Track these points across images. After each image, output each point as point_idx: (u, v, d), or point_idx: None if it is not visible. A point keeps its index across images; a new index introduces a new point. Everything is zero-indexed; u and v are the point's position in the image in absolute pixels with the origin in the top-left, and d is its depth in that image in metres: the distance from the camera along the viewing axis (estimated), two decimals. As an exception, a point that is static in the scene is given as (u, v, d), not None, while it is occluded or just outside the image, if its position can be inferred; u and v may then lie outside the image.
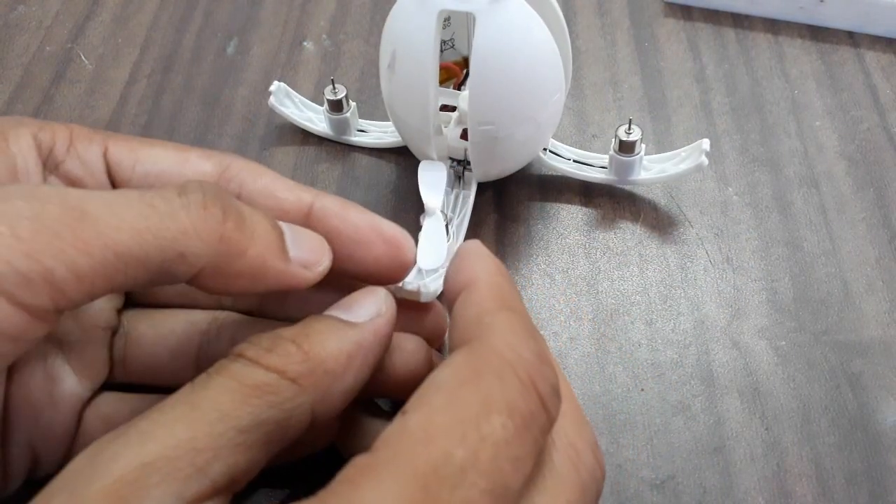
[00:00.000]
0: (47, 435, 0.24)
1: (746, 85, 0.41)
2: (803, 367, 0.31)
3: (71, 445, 0.24)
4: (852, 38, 0.42)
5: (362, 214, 0.24)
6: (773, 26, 0.43)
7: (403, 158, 0.38)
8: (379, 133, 0.39)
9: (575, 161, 0.36)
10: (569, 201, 0.36)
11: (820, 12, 0.42)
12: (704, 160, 0.33)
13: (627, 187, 0.36)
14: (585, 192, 0.37)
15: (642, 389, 0.30)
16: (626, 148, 0.34)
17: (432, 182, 0.31)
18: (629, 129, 0.34)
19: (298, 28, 0.45)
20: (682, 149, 0.35)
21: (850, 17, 0.42)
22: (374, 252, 0.23)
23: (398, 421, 0.17)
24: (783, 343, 0.31)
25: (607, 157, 0.35)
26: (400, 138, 0.36)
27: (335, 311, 0.22)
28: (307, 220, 0.23)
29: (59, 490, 0.17)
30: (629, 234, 0.35)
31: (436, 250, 0.30)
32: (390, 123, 0.38)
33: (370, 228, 0.24)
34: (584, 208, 0.36)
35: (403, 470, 0.16)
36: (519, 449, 0.17)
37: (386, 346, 0.22)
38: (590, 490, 0.20)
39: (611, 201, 0.36)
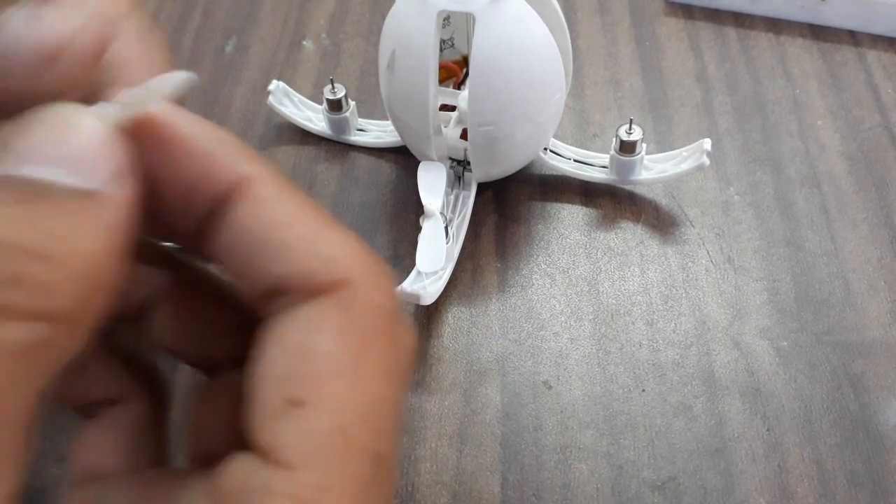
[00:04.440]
0: None
1: (748, 84, 0.41)
2: (805, 367, 0.31)
3: None
4: (854, 38, 0.42)
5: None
6: (775, 25, 0.43)
7: (403, 158, 0.38)
8: (379, 132, 0.39)
9: (576, 161, 0.36)
10: (569, 201, 0.36)
11: (821, 11, 0.42)
12: (706, 160, 0.33)
13: (628, 187, 0.36)
14: (586, 192, 0.36)
15: (643, 390, 0.30)
16: (626, 148, 0.34)
17: (432, 183, 0.31)
18: (630, 128, 0.34)
19: (298, 27, 0.45)
20: (684, 148, 0.35)
21: (851, 16, 0.42)
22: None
23: (301, 421, 0.14)
24: (785, 343, 0.31)
25: (608, 156, 0.35)
26: (400, 138, 0.36)
27: (47, 173, 0.13)
28: None
29: None
30: (630, 235, 0.35)
31: (435, 253, 0.29)
32: (390, 122, 0.38)
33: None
34: (584, 208, 0.36)
35: (340, 485, 0.14)
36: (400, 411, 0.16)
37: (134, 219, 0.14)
38: None
39: (612, 201, 0.36)
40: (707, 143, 0.33)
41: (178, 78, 0.15)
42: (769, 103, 0.40)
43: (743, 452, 0.29)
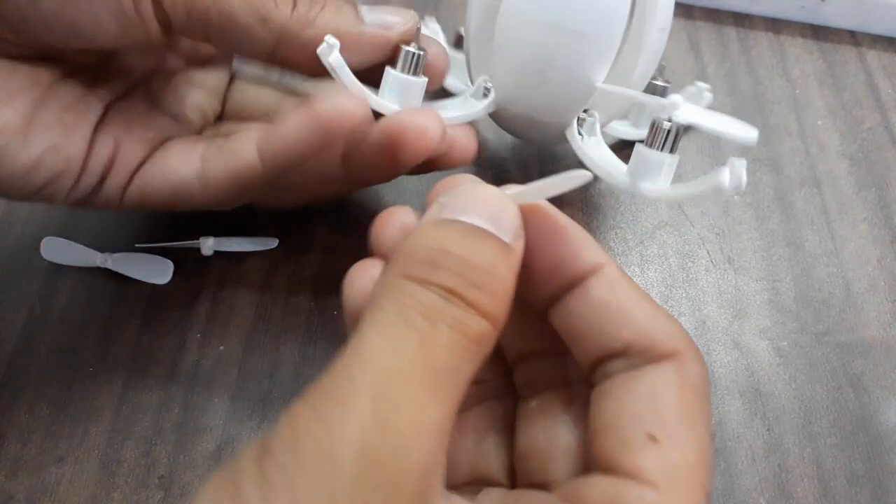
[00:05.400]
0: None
1: (748, 84, 0.41)
2: (805, 367, 0.31)
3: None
4: (854, 38, 0.42)
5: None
6: (775, 25, 0.43)
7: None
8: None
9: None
10: (570, 202, 0.36)
11: (821, 11, 0.42)
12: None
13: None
14: (586, 193, 0.36)
15: (643, 390, 0.30)
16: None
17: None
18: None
19: None
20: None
21: (851, 16, 0.42)
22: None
23: (659, 453, 0.17)
24: (784, 343, 0.31)
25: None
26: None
27: (479, 222, 0.18)
28: None
29: None
30: (630, 234, 0.35)
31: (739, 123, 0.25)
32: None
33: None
34: (584, 208, 0.36)
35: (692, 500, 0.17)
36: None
37: None
38: None
39: (611, 201, 0.36)
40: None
41: (577, 180, 0.19)
42: (769, 103, 0.40)
43: (743, 452, 0.29)
